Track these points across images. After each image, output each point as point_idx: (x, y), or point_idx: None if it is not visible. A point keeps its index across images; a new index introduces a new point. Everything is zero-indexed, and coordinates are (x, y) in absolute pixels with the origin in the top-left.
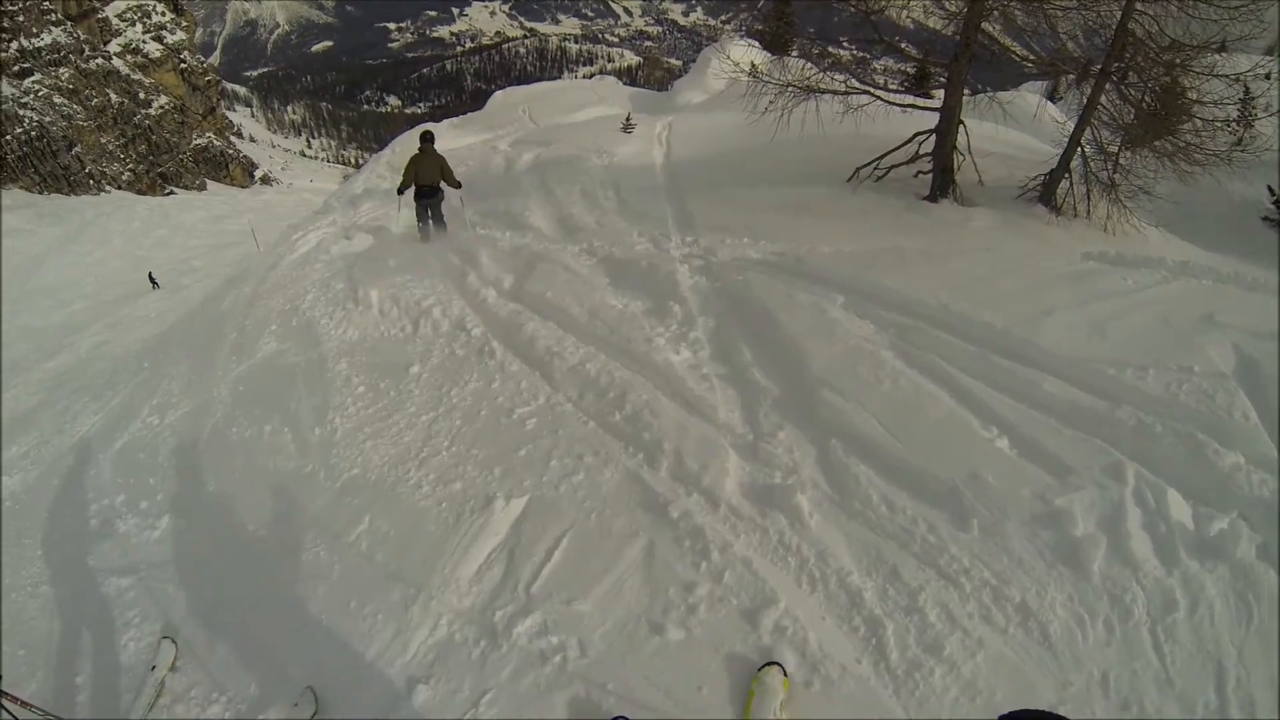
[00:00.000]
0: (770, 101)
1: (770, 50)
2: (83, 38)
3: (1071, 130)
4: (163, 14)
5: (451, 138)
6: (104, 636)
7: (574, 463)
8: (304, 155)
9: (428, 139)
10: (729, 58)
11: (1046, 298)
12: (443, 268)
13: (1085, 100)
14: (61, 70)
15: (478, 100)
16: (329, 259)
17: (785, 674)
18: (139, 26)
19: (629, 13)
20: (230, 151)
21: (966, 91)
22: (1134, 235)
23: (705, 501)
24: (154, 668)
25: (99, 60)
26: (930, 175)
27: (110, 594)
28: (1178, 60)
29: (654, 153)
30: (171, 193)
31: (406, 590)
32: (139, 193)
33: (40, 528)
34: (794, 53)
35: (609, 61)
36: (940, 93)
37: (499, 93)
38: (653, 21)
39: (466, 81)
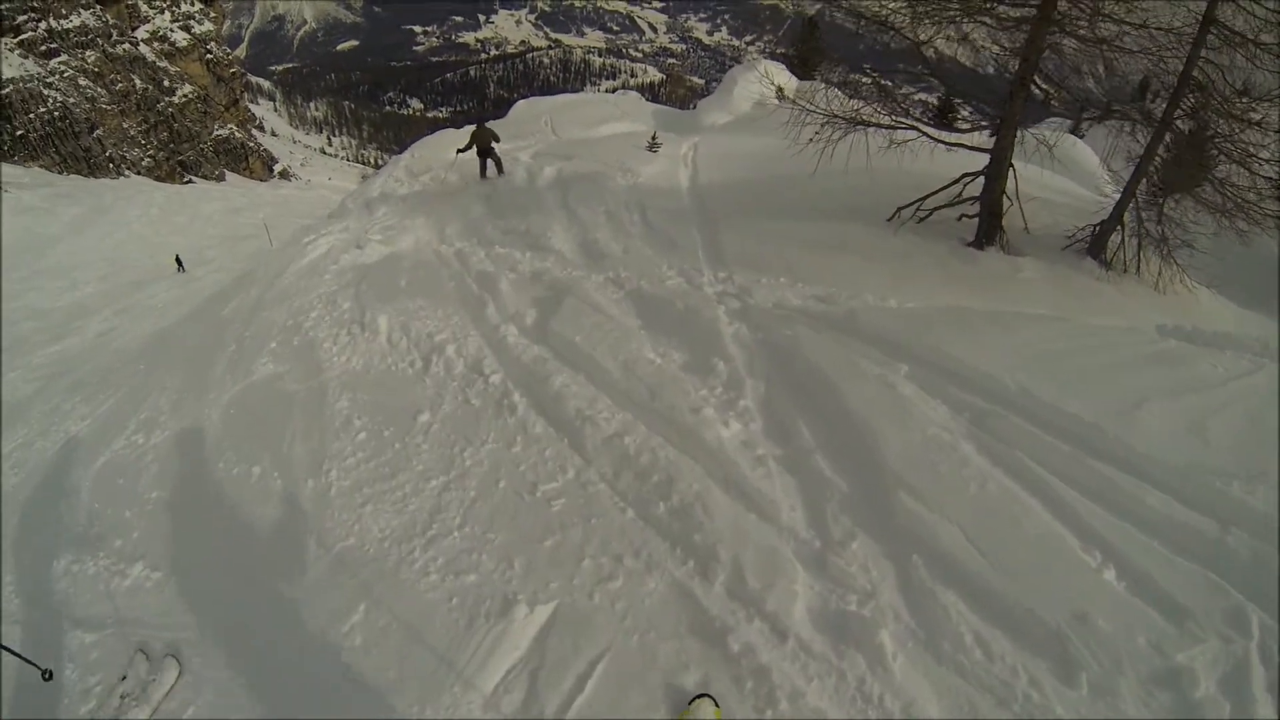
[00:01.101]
0: (816, 132)
1: (797, 74)
2: (111, 22)
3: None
4: (192, 4)
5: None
6: (63, 703)
7: (611, 564)
8: (324, 152)
9: (484, 121)
10: (773, 83)
11: (1134, 383)
12: (459, 294)
13: (1143, 150)
14: (88, 53)
15: (500, 108)
16: (338, 269)
17: (717, 705)
18: (168, 15)
19: (653, 29)
20: (251, 144)
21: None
22: (1185, 295)
23: (770, 631)
24: (154, 680)
25: (126, 45)
26: (975, 219)
27: (74, 649)
28: (1238, 112)
29: (679, 174)
30: (190, 181)
31: (408, 708)
32: (158, 179)
33: (9, 549)
34: (817, 77)
35: (632, 76)
36: (965, 126)
37: (522, 102)
38: (677, 39)
39: (489, 89)
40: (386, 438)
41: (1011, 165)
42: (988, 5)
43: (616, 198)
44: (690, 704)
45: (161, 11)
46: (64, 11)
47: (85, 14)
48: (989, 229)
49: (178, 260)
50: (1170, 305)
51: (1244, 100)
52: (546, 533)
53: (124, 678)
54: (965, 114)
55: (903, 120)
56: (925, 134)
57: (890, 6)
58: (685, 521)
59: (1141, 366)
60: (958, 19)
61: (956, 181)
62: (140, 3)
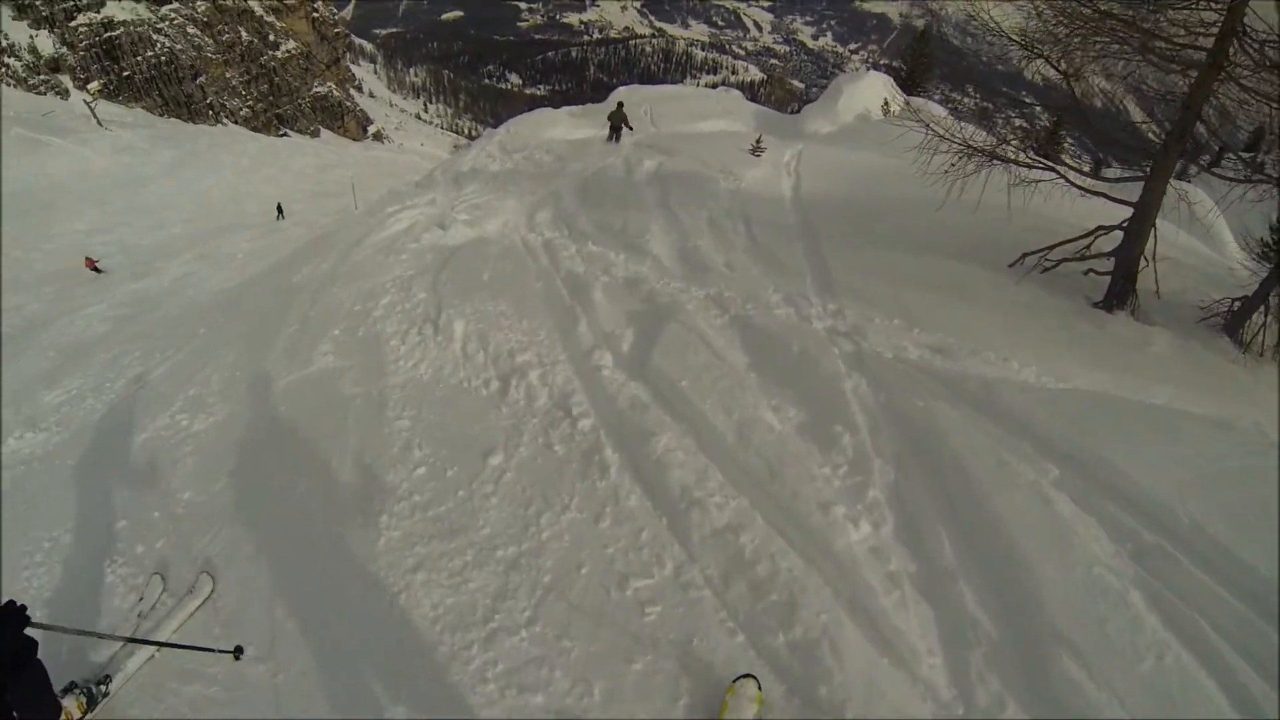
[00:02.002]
0: (952, 164)
1: (904, 89)
2: None
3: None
4: None
5: (569, 127)
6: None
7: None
8: (419, 118)
9: (620, 104)
10: (912, 108)
11: None
12: (547, 300)
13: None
14: (198, 2)
15: (598, 91)
16: (418, 249)
17: (760, 687)
18: None
19: (758, 27)
20: (348, 104)
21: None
22: None
23: None
24: (190, 592)
25: None
26: (1105, 276)
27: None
28: None
29: (783, 183)
30: (285, 134)
31: None
32: (254, 129)
33: (40, 520)
34: (920, 93)
35: (732, 73)
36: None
37: (623, 88)
38: (781, 40)
39: (589, 71)
40: (450, 479)
41: (1154, 224)
42: (1167, 48)
43: (719, 203)
44: (734, 683)
45: None
46: None
47: None
48: (1121, 290)
49: (279, 208)
50: None
51: None
52: (636, 650)
53: (140, 599)
54: (1067, 144)
55: (1041, 161)
56: (1067, 179)
57: (1054, 32)
58: (809, 664)
59: None
60: (1124, 55)
61: (1090, 234)
62: None
